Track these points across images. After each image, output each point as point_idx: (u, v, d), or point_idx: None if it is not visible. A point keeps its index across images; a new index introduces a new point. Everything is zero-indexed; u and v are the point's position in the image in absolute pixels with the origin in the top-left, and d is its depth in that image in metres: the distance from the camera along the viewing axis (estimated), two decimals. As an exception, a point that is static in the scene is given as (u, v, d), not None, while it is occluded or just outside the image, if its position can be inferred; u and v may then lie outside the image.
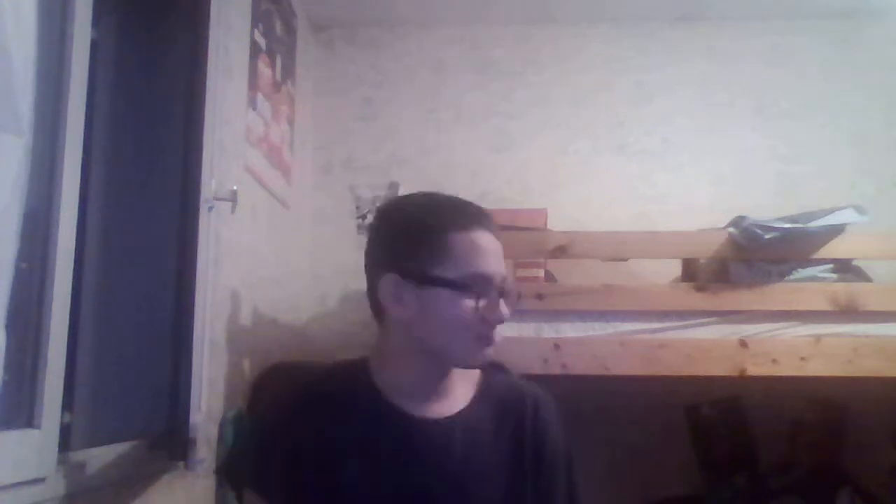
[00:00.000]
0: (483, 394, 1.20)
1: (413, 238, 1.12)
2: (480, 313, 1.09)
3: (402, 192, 2.69)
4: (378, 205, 1.20)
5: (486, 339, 1.12)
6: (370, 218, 2.54)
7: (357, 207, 2.55)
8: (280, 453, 1.13)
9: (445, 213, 1.14)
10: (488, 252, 1.12)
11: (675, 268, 2.61)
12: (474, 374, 1.21)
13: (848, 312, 2.19)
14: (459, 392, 1.19)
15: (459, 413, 1.17)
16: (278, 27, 2.76)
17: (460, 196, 1.18)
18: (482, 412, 1.18)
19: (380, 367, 1.18)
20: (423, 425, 1.14)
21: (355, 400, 1.16)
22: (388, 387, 1.16)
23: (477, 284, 1.09)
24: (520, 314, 2.09)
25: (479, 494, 1.13)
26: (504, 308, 1.11)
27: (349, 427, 1.14)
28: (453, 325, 1.10)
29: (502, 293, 1.12)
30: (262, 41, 2.54)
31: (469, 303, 1.09)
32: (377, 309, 1.17)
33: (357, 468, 1.11)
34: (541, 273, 2.57)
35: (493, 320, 1.11)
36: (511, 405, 1.20)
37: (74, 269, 1.44)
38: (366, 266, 1.19)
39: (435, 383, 1.17)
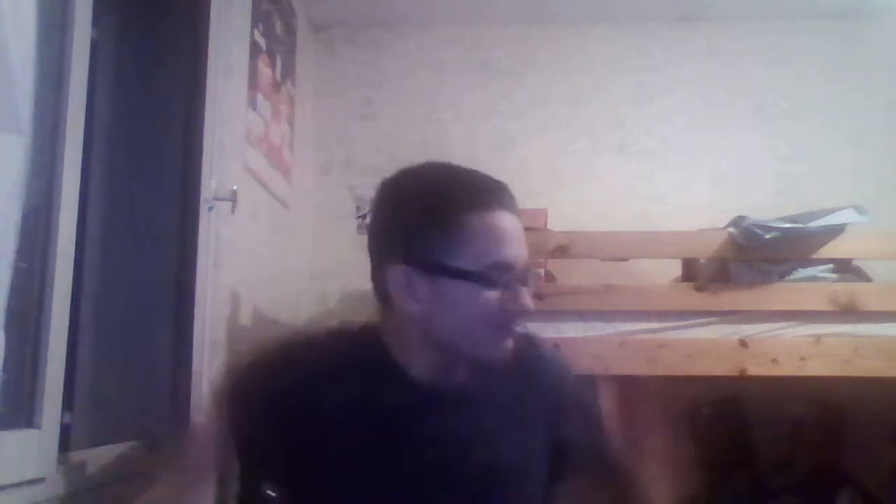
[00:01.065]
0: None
1: (425, 221, 0.99)
2: (502, 305, 0.99)
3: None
4: (383, 179, 1.08)
5: (508, 331, 1.02)
6: (370, 217, 2.54)
7: (357, 207, 2.55)
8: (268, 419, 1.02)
9: (461, 190, 1.02)
10: (510, 236, 1.00)
11: (675, 268, 2.61)
12: None
13: (848, 312, 2.19)
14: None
15: (473, 380, 1.06)
16: (278, 27, 2.76)
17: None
18: (500, 379, 1.08)
19: (392, 338, 1.06)
20: (435, 393, 1.04)
21: (367, 367, 1.04)
22: (399, 354, 1.05)
23: (498, 274, 0.98)
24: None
25: (494, 466, 1.05)
26: (527, 298, 1.00)
27: (351, 392, 1.02)
28: (472, 319, 0.99)
29: (524, 281, 1.01)
30: (262, 41, 2.54)
31: (490, 295, 0.98)
32: (385, 298, 1.04)
33: (358, 436, 1.01)
34: (541, 273, 2.57)
35: (516, 312, 1.00)
36: (531, 372, 1.12)
37: (74, 269, 1.44)
38: (370, 249, 1.06)
39: (451, 367, 1.05)
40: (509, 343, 1.03)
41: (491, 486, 1.05)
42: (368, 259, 1.07)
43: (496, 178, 1.06)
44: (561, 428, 1.11)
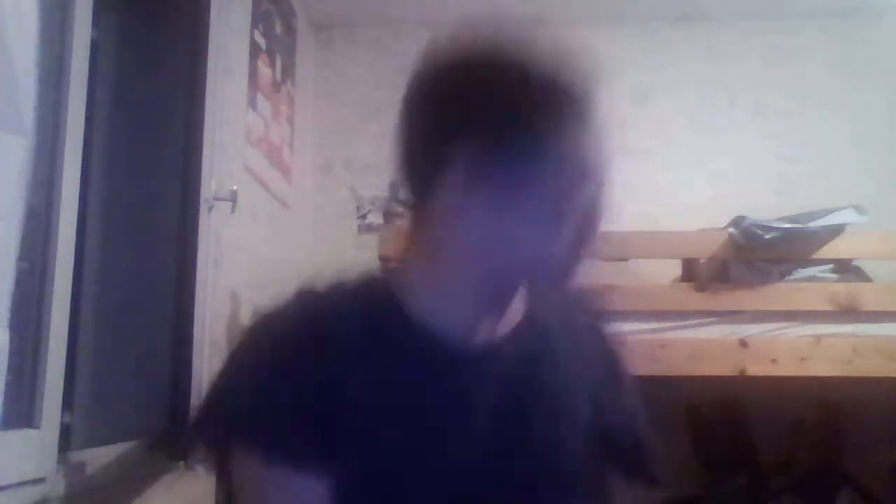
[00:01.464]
0: (537, 307, 0.86)
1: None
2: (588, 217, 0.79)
3: (403, 191, 2.70)
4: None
5: (579, 257, 0.81)
6: (370, 218, 2.55)
7: (357, 207, 2.55)
8: (282, 398, 0.75)
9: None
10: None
11: (675, 268, 2.61)
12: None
13: (848, 312, 2.19)
14: (514, 307, 0.84)
15: (514, 333, 0.83)
16: (278, 27, 2.76)
17: None
18: (539, 330, 0.85)
19: (413, 283, 0.82)
20: (467, 353, 0.80)
21: (379, 327, 0.79)
22: (423, 305, 0.80)
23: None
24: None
25: (544, 438, 0.82)
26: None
27: (369, 364, 0.77)
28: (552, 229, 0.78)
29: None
30: (262, 41, 2.54)
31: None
32: (424, 192, 0.80)
33: (386, 415, 0.77)
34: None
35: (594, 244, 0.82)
36: (572, 319, 0.90)
37: (74, 269, 1.44)
38: (416, 125, 0.81)
39: (492, 304, 0.82)
40: (582, 272, 0.81)
41: (544, 475, 0.82)
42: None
43: None
44: (605, 406, 0.88)
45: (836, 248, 2.30)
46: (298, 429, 0.75)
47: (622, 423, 0.90)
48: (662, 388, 2.45)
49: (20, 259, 1.25)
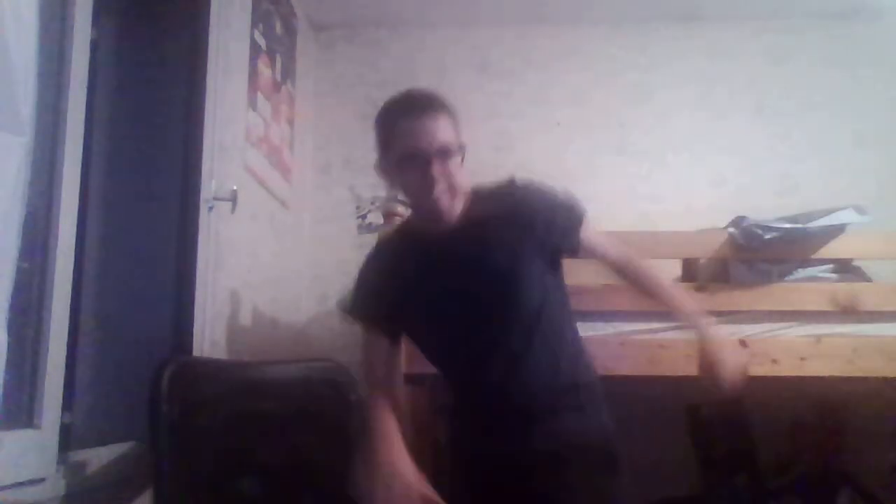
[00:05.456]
0: (473, 199, 1.49)
1: (374, 133, 1.50)
2: (417, 184, 1.40)
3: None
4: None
5: (434, 199, 1.39)
6: (370, 218, 2.55)
7: (357, 207, 2.55)
8: (365, 284, 1.54)
9: (384, 107, 1.48)
10: (406, 132, 1.40)
11: (675, 268, 2.60)
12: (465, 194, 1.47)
13: (848, 312, 2.19)
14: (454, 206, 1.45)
15: (464, 219, 1.45)
16: (278, 27, 2.76)
17: None
18: (478, 211, 1.47)
19: (411, 219, 1.59)
20: (445, 239, 1.44)
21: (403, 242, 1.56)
22: (416, 226, 1.53)
23: (406, 163, 1.39)
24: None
25: (502, 268, 1.44)
26: (433, 171, 1.38)
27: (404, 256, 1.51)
28: (409, 197, 1.50)
29: (429, 160, 1.38)
30: (262, 41, 2.54)
31: (408, 179, 1.43)
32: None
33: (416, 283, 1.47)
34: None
35: (428, 185, 1.38)
36: (506, 196, 1.51)
37: (74, 269, 1.44)
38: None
39: (436, 213, 1.43)
40: (445, 203, 1.41)
41: (505, 284, 1.43)
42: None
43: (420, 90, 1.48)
44: (547, 226, 1.48)
45: (836, 248, 2.29)
46: (370, 305, 1.53)
47: (560, 225, 1.51)
48: (662, 388, 2.46)
49: (20, 259, 1.25)
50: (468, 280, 1.44)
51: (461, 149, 1.45)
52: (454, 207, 1.44)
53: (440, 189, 1.40)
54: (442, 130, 1.41)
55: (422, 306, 1.48)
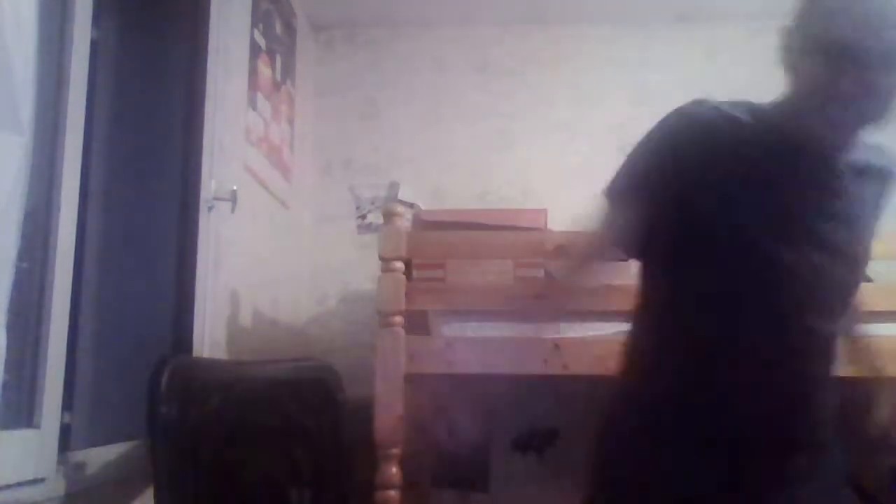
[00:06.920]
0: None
1: None
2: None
3: (402, 191, 2.70)
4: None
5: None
6: (370, 218, 2.55)
7: (357, 207, 2.55)
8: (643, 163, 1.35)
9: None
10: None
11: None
12: None
13: (848, 312, 2.19)
14: None
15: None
16: (278, 27, 2.76)
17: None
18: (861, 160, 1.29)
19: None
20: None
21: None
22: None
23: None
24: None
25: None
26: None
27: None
28: None
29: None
30: (262, 41, 2.54)
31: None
32: None
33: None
34: (541, 273, 2.56)
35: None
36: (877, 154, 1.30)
37: (74, 269, 1.44)
38: None
39: None
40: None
41: (855, 259, 1.30)
42: None
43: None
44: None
45: (836, 248, 2.29)
46: (624, 183, 1.36)
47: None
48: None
49: (20, 259, 1.25)
50: (831, 230, 1.22)
51: None
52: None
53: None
54: None
55: (747, 215, 1.19)
